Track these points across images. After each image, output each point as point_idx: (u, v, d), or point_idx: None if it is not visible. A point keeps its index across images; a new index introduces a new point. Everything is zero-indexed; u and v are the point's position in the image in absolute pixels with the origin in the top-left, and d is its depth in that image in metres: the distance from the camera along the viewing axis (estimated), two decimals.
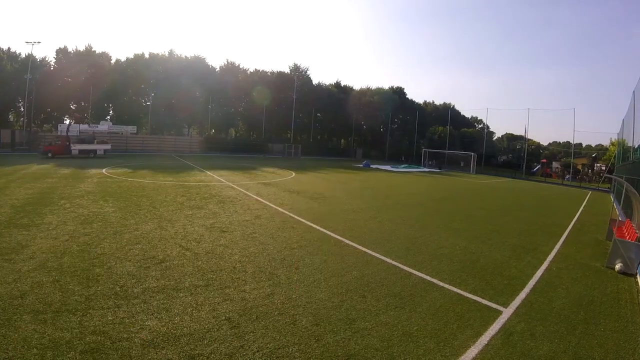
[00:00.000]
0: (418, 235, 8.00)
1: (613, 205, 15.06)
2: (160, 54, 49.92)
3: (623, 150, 21.11)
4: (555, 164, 50.65)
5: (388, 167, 36.34)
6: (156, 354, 3.01)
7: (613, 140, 39.26)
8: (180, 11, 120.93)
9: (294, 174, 21.55)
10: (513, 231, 9.33)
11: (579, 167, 45.93)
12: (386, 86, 66.22)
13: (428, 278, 5.33)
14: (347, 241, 7.04)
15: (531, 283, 5.46)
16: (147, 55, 49.21)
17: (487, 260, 6.50)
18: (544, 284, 5.47)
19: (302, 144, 53.33)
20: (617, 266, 6.36)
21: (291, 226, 7.95)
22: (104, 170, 17.02)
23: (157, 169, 19.60)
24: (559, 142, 67.98)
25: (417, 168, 38.85)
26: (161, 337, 3.26)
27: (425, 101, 71.42)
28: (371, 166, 35.41)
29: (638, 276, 5.97)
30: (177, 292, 4.24)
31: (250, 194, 12.18)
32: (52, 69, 44.13)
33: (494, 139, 68.19)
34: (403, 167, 37.38)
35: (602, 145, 50.91)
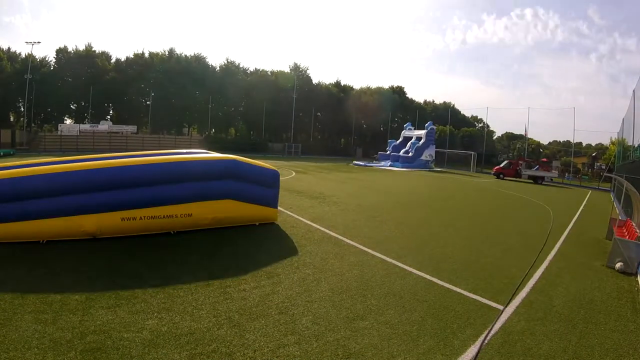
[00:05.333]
0: (418, 234, 8.01)
1: (613, 205, 15.05)
2: (160, 53, 49.90)
3: (623, 149, 21.10)
4: (555, 163, 50.61)
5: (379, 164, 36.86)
6: (157, 352, 3.02)
7: (613, 139, 39.27)
8: (180, 10, 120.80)
9: (294, 173, 21.55)
10: (513, 230, 9.33)
11: (579, 166, 45.94)
12: (386, 85, 66.19)
13: (428, 277, 5.34)
14: (347, 240, 7.04)
15: (531, 282, 5.46)
16: (147, 55, 49.18)
17: (487, 259, 6.50)
18: (544, 283, 5.46)
19: (302, 143, 53.34)
20: (617, 265, 6.36)
21: (291, 225, 7.95)
22: None
23: None
24: (559, 141, 67.90)
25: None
26: (162, 337, 3.26)
27: (426, 100, 71.39)
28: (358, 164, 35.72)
29: (638, 275, 5.97)
30: (178, 291, 4.24)
31: None
32: (52, 69, 44.10)
33: (494, 138, 68.12)
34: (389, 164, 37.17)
35: (602, 145, 50.91)
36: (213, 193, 6.68)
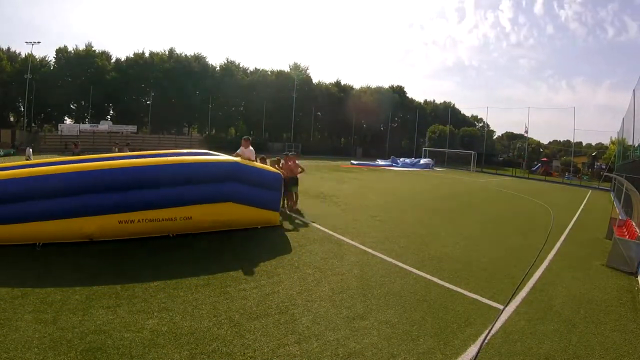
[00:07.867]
0: (418, 234, 8.00)
1: (613, 204, 15.06)
2: (160, 53, 49.86)
3: (623, 149, 21.11)
4: (555, 163, 50.62)
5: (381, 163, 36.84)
6: (157, 352, 3.02)
7: (613, 139, 39.30)
8: (180, 10, 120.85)
9: None
10: (513, 230, 9.33)
11: (579, 165, 45.95)
12: (386, 85, 66.13)
13: (428, 277, 5.34)
14: (347, 240, 7.04)
15: (531, 282, 5.46)
16: (147, 54, 49.13)
17: (487, 258, 6.50)
18: (544, 283, 5.47)
19: (302, 143, 53.28)
20: (618, 265, 6.36)
21: (291, 225, 7.95)
22: None
23: None
24: (559, 141, 67.94)
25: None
26: (162, 337, 3.26)
27: (426, 100, 71.37)
28: (354, 163, 35.68)
29: (638, 275, 5.97)
30: (178, 291, 4.24)
31: None
32: (52, 69, 44.07)
33: (494, 137, 68.16)
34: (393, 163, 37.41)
35: (602, 144, 50.94)
36: (214, 196, 6.58)
